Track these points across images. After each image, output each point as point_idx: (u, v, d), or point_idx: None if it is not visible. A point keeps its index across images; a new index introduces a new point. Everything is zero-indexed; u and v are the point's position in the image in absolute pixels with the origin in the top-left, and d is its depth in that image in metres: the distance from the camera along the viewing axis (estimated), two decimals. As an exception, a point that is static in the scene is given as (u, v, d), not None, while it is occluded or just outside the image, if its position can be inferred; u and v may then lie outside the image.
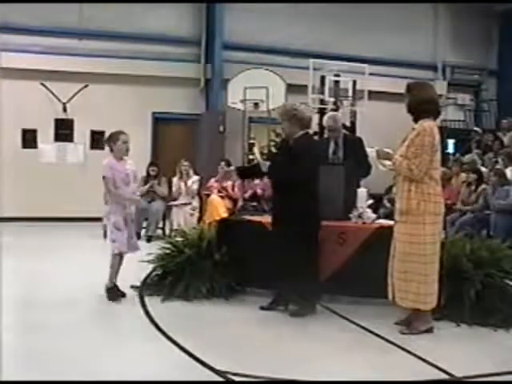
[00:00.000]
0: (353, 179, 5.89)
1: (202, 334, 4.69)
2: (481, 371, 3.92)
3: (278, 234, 5.14)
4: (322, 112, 11.34)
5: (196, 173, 10.26)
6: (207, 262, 5.70)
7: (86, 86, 12.14)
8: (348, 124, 11.51)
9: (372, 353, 4.30)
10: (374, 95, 12.06)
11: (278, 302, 5.32)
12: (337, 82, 11.84)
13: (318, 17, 13.16)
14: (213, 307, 5.33)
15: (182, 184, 9.91)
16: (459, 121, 14.85)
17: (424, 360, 4.08)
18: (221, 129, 12.61)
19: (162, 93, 12.56)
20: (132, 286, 5.95)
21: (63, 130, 12.30)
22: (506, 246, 5.65)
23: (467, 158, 10.96)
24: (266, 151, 11.13)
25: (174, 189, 9.97)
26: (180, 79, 12.73)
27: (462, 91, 15.08)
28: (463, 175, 9.99)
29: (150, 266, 6.13)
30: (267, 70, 12.11)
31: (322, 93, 11.68)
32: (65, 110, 12.17)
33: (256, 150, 5.60)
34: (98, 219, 10.37)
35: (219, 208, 8.56)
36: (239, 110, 12.06)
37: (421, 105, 4.67)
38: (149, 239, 9.53)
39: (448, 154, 12.51)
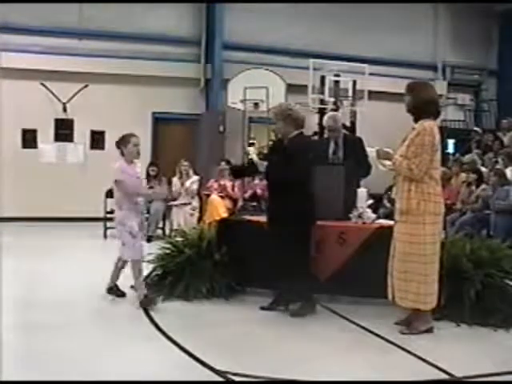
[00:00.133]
0: (353, 179, 5.89)
1: (202, 334, 4.69)
2: (481, 371, 3.92)
3: (275, 233, 5.14)
4: (322, 112, 11.35)
5: (196, 173, 10.26)
6: (207, 262, 5.71)
7: (85, 86, 12.14)
8: (348, 124, 11.52)
9: (372, 353, 4.30)
10: (374, 95, 12.06)
11: (278, 302, 5.33)
12: (337, 82, 11.85)
13: (318, 17, 13.16)
14: (213, 307, 5.34)
15: (179, 183, 9.93)
16: (459, 121, 14.85)
17: (424, 360, 4.09)
18: (221, 129, 12.61)
19: (162, 93, 12.56)
20: (132, 286, 5.93)
21: (63, 130, 12.30)
22: (506, 245, 5.65)
23: (467, 158, 10.96)
24: (265, 151, 11.13)
25: (173, 189, 9.97)
26: (180, 79, 12.73)
27: (462, 91, 15.08)
28: (463, 175, 9.99)
29: (150, 266, 6.13)
30: (267, 70, 12.10)
31: (322, 93, 11.69)
32: (65, 109, 12.16)
33: (252, 149, 5.54)
34: (98, 219, 10.41)
35: (219, 208, 8.55)
36: (239, 110, 12.06)
37: (421, 105, 4.67)
38: (149, 239, 9.52)
39: (448, 153, 12.51)
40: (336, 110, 10.89)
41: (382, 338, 4.58)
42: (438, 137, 4.63)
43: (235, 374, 3.77)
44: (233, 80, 12.13)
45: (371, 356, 4.23)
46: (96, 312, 5.22)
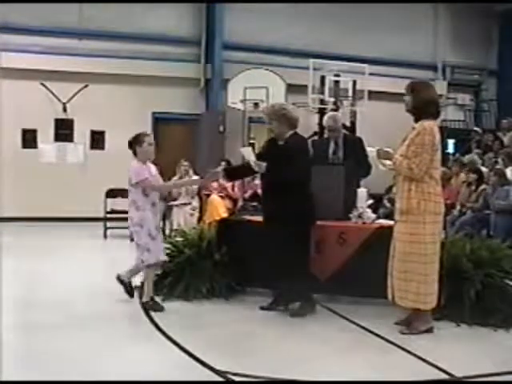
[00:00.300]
0: (353, 179, 5.89)
1: (202, 334, 4.69)
2: (481, 371, 3.92)
3: (275, 233, 5.13)
4: (322, 112, 11.35)
5: (196, 173, 10.25)
6: (207, 262, 5.70)
7: (86, 86, 12.15)
8: (348, 124, 11.52)
9: (372, 353, 4.30)
10: (374, 95, 12.06)
11: (278, 302, 5.33)
12: (337, 82, 11.85)
13: (318, 17, 13.17)
14: (213, 307, 5.33)
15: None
16: (459, 121, 14.85)
17: (424, 360, 4.08)
18: (221, 129, 12.62)
19: (162, 93, 12.57)
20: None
21: (63, 130, 12.30)
22: (506, 245, 5.65)
23: (467, 158, 10.96)
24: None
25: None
26: (180, 79, 12.74)
27: (462, 91, 15.09)
28: (463, 175, 9.98)
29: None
30: (267, 69, 12.10)
31: (322, 93, 11.69)
32: (65, 109, 12.17)
33: (249, 150, 5.50)
34: (98, 219, 10.41)
35: (219, 208, 8.57)
36: (239, 110, 12.06)
37: (422, 105, 4.66)
38: (149, 239, 9.51)
39: (448, 153, 12.51)
40: (336, 109, 10.89)
41: (382, 338, 4.58)
42: (438, 136, 4.63)
43: (235, 374, 3.77)
44: (233, 80, 12.13)
45: (371, 356, 4.22)
46: (96, 312, 5.22)
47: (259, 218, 5.56)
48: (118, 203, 10.48)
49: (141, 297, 5.40)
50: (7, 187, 10.62)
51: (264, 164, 5.13)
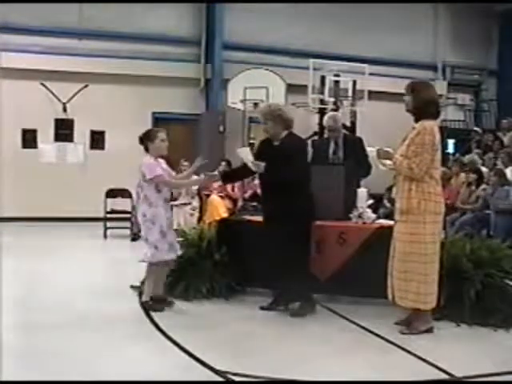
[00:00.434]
0: (353, 179, 5.89)
1: (202, 334, 4.69)
2: (481, 371, 3.92)
3: (275, 233, 5.13)
4: (322, 112, 11.35)
5: (196, 173, 10.24)
6: (207, 262, 5.70)
7: (86, 86, 12.15)
8: (348, 124, 11.52)
9: (372, 353, 4.30)
10: (374, 95, 12.06)
11: (278, 302, 5.33)
12: (337, 82, 11.85)
13: (318, 17, 13.17)
14: (213, 307, 5.33)
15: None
16: (459, 121, 14.85)
17: (424, 360, 4.08)
18: (221, 129, 12.62)
19: (162, 93, 12.57)
20: (132, 286, 5.94)
21: (63, 130, 12.30)
22: (506, 245, 5.64)
23: (467, 158, 10.96)
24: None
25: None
26: (180, 79, 12.74)
27: (462, 91, 15.09)
28: (463, 175, 9.98)
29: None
30: (267, 69, 12.10)
31: (322, 93, 11.69)
32: (65, 109, 12.17)
33: (247, 150, 5.49)
34: (98, 219, 10.41)
35: (219, 208, 8.58)
36: (239, 110, 12.06)
37: (422, 105, 4.66)
38: (149, 239, 9.52)
39: (448, 153, 12.51)
40: (336, 110, 10.89)
41: (382, 338, 4.58)
42: (438, 136, 4.63)
43: (235, 374, 3.77)
44: (233, 80, 12.13)
45: (371, 356, 4.22)
46: (96, 312, 5.21)
47: (259, 218, 5.56)
48: (118, 203, 10.51)
49: (141, 294, 5.40)
50: (7, 187, 10.63)
51: (263, 164, 5.11)
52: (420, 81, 5.34)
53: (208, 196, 9.53)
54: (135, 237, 9.84)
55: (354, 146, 6.41)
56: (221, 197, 9.33)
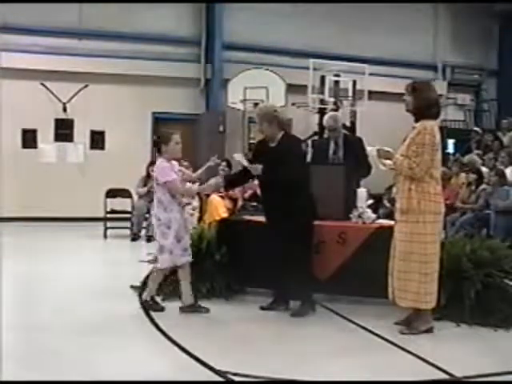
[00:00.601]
0: (353, 179, 5.89)
1: (202, 334, 4.70)
2: (481, 371, 3.91)
3: (276, 233, 5.13)
4: (322, 112, 11.35)
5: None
6: (207, 262, 5.70)
7: (86, 86, 12.15)
8: (348, 124, 11.52)
9: (372, 353, 4.30)
10: (374, 95, 12.07)
11: (278, 301, 5.33)
12: (337, 82, 11.85)
13: (318, 17, 13.17)
14: (213, 307, 5.33)
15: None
16: (459, 121, 14.86)
17: (424, 360, 4.08)
18: (221, 129, 12.61)
19: (162, 93, 12.57)
20: (132, 286, 5.95)
21: (63, 130, 12.30)
22: (506, 245, 5.64)
23: (467, 158, 10.95)
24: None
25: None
26: (180, 79, 12.74)
27: (462, 91, 15.09)
28: (463, 175, 9.98)
29: (150, 266, 6.12)
30: (267, 69, 12.11)
31: (322, 93, 11.69)
32: (65, 109, 12.17)
33: (240, 155, 5.48)
34: (98, 219, 10.41)
35: (219, 208, 8.56)
36: (239, 110, 12.06)
37: (423, 106, 4.65)
38: (149, 239, 9.53)
39: (448, 153, 12.51)
40: (336, 110, 10.89)
41: (382, 337, 4.58)
42: (438, 136, 4.63)
43: (235, 374, 3.76)
44: (233, 80, 12.13)
45: (371, 356, 4.22)
46: (96, 312, 5.21)
47: (259, 218, 5.56)
48: (118, 203, 10.51)
49: (141, 297, 5.40)
50: (7, 187, 10.63)
51: (260, 166, 5.12)
52: (421, 81, 5.35)
53: (208, 196, 9.51)
54: (135, 237, 9.85)
55: (353, 145, 6.41)
56: (221, 197, 9.31)
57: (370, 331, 4.73)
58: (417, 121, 4.71)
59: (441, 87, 13.75)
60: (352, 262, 5.39)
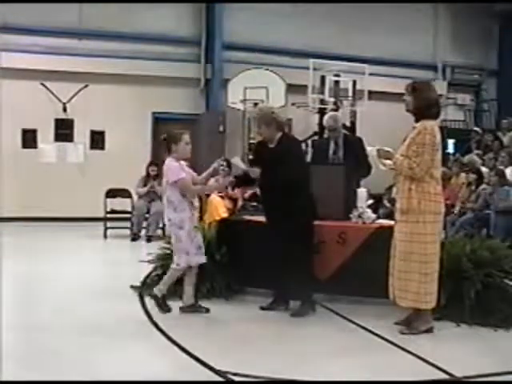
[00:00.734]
0: (353, 179, 5.89)
1: (202, 334, 4.70)
2: (481, 371, 3.92)
3: (276, 233, 5.13)
4: (322, 112, 11.35)
5: (196, 173, 10.23)
6: (207, 262, 5.69)
7: (86, 86, 12.14)
8: (348, 124, 11.52)
9: (372, 353, 4.30)
10: (374, 95, 12.07)
11: (278, 301, 5.33)
12: (337, 82, 11.85)
13: (318, 17, 13.16)
14: (213, 307, 5.33)
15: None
16: (459, 121, 14.85)
17: (424, 360, 4.08)
18: (221, 129, 12.61)
19: (162, 93, 12.56)
20: (132, 286, 5.95)
21: (63, 130, 12.29)
22: (506, 245, 5.65)
23: (467, 158, 10.95)
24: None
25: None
26: (180, 79, 12.73)
27: (462, 91, 15.08)
28: (463, 175, 9.98)
29: (150, 266, 6.13)
30: (267, 69, 12.10)
31: (322, 93, 11.69)
32: (65, 109, 12.16)
33: (237, 159, 5.49)
34: (98, 219, 10.41)
35: (219, 208, 8.55)
36: (239, 110, 12.06)
37: (423, 106, 4.65)
38: (149, 239, 9.54)
39: (448, 154, 12.50)
40: (336, 110, 10.89)
41: (382, 337, 4.58)
42: (438, 136, 4.63)
43: (235, 374, 3.77)
44: (233, 80, 12.13)
45: (371, 356, 4.22)
46: (96, 312, 5.22)
47: (259, 218, 5.56)
48: (118, 203, 10.50)
49: (141, 297, 5.39)
50: (7, 187, 10.63)
51: (257, 170, 5.15)
52: (421, 81, 5.35)
53: (208, 196, 9.51)
54: (135, 237, 9.85)
55: (353, 146, 6.41)
56: (221, 197, 9.31)
57: (370, 331, 4.74)
58: (417, 121, 4.71)
59: (441, 87, 13.74)
60: (352, 262, 5.39)
